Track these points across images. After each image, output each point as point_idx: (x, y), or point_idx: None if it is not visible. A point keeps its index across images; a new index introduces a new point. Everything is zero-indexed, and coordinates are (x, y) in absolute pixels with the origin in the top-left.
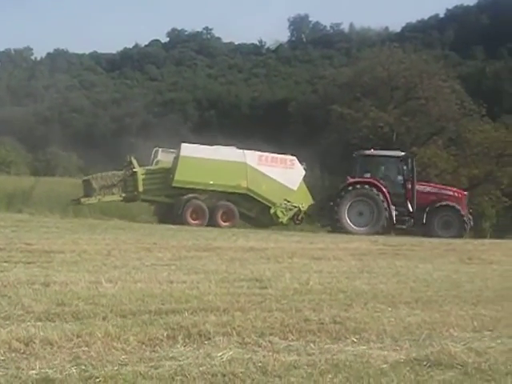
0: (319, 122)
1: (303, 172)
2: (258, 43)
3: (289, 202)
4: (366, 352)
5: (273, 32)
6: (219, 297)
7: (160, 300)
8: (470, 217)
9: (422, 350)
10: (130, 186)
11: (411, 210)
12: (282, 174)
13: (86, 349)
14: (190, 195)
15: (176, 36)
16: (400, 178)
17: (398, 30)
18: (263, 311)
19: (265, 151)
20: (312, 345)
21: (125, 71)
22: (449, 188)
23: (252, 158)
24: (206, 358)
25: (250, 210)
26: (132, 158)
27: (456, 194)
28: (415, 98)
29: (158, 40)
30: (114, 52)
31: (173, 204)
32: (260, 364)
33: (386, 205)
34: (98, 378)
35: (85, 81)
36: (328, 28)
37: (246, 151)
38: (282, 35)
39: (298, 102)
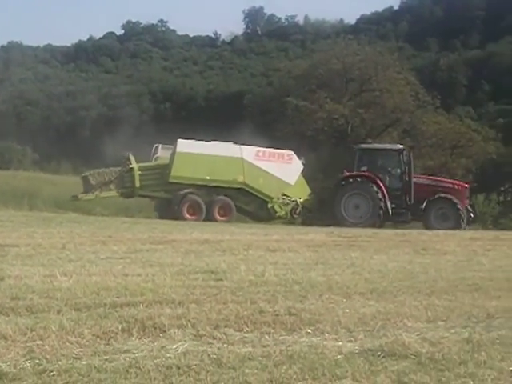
0: (274, 114)
1: (301, 167)
2: (213, 35)
3: (286, 196)
4: (321, 343)
5: (228, 24)
6: (174, 289)
7: (115, 293)
8: (470, 209)
9: (376, 340)
10: (127, 181)
11: (409, 202)
12: (280, 168)
13: (41, 342)
14: (187, 190)
15: (131, 28)
16: (397, 170)
17: (353, 22)
18: (218, 303)
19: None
20: (267, 336)
21: (79, 64)
22: (449, 181)
23: (249, 153)
24: (161, 351)
25: (248, 204)
26: (130, 155)
27: (456, 187)
28: (370, 89)
29: (112, 32)
30: (69, 45)
31: (170, 199)
32: (215, 356)
33: (381, 198)
34: (52, 371)
35: (39, 73)
36: (283, 20)
37: (242, 146)
38: (237, 27)
39: (254, 94)
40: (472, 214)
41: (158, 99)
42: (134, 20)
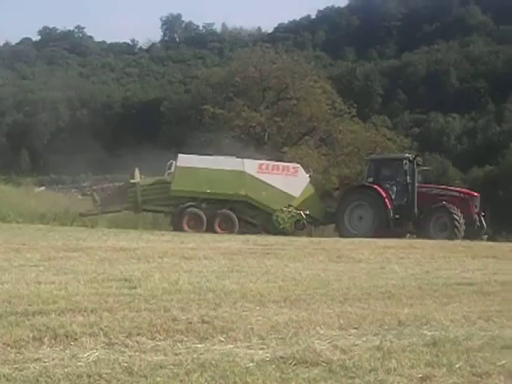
0: (192, 122)
1: (307, 179)
2: (130, 42)
3: (292, 208)
4: (233, 351)
5: (145, 31)
6: (87, 297)
7: (27, 301)
8: (477, 217)
9: (288, 348)
10: (130, 196)
11: (412, 212)
12: (284, 181)
13: None
14: (188, 204)
15: (47, 34)
16: (402, 180)
17: (271, 30)
18: (131, 311)
19: (140, 151)
20: (179, 344)
21: None
22: (456, 189)
23: (251, 166)
24: (72, 359)
25: (254, 217)
26: (136, 169)
27: (462, 195)
28: (287, 98)
29: (29, 38)
30: None
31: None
32: (126, 364)
33: (383, 208)
34: None
35: None
36: (201, 28)
37: (245, 160)
38: (155, 34)
39: (171, 101)
40: (479, 224)
41: (75, 106)
42: (50, 26)
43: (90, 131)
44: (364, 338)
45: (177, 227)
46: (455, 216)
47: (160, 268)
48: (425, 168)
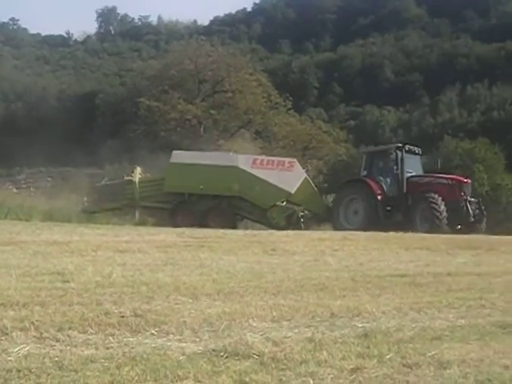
0: (127, 115)
1: (303, 174)
2: (65, 35)
3: (286, 203)
4: (165, 344)
5: (80, 23)
6: (19, 291)
7: None
8: (464, 204)
9: (220, 340)
10: (127, 193)
11: (404, 203)
12: (279, 176)
13: None
14: (181, 199)
15: None
16: (393, 171)
17: (206, 23)
18: (63, 305)
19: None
20: (111, 338)
21: None
22: (447, 177)
23: (245, 161)
24: (2, 354)
25: (251, 213)
26: (137, 167)
27: (449, 182)
28: (222, 91)
29: None
30: None
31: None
32: (57, 359)
33: (374, 201)
34: None
35: None
36: (136, 20)
37: (238, 155)
38: (90, 27)
39: (106, 94)
40: (467, 211)
41: (9, 98)
42: None
43: (25, 124)
44: (296, 330)
45: (172, 223)
46: (434, 205)
47: (93, 261)
48: (431, 156)
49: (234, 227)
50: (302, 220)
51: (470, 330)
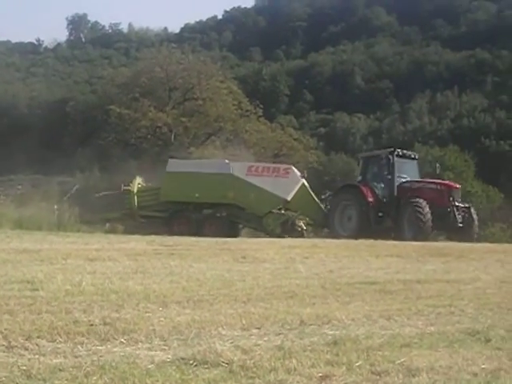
0: (98, 122)
1: (299, 181)
2: (35, 42)
3: (281, 210)
4: (134, 352)
5: (51, 31)
6: None
7: None
8: (452, 210)
9: (189, 349)
10: (127, 203)
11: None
12: (274, 183)
13: None
14: (178, 208)
15: None
16: (386, 176)
17: (177, 30)
18: (32, 314)
19: (44, 152)
20: (80, 347)
21: None
22: (438, 182)
23: (239, 169)
24: None
25: (248, 220)
26: (136, 177)
27: (438, 187)
28: (193, 98)
29: None
30: None
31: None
32: (25, 367)
33: (365, 207)
34: None
35: None
36: (107, 28)
37: (232, 163)
38: (61, 34)
39: (77, 101)
40: (456, 217)
41: None
42: None
43: None
44: (266, 338)
45: (169, 232)
46: (418, 209)
47: (63, 270)
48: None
49: (236, 236)
50: (303, 227)
51: (439, 337)
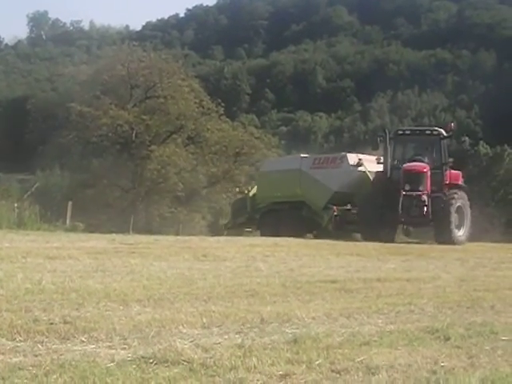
0: (59, 120)
1: (352, 170)
2: None
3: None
4: (94, 351)
5: (11, 28)
6: None
7: None
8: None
9: (149, 347)
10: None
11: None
12: (327, 174)
13: None
14: (268, 209)
15: None
16: None
17: (139, 28)
18: None
19: (4, 150)
20: (40, 345)
21: None
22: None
23: (307, 162)
24: None
25: (321, 217)
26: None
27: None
28: (155, 96)
29: None
30: None
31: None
32: None
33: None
34: None
35: None
36: (68, 25)
37: (302, 156)
38: (21, 31)
39: (38, 99)
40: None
41: None
42: None
43: None
44: (226, 337)
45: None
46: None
47: (23, 268)
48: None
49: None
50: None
51: (399, 336)
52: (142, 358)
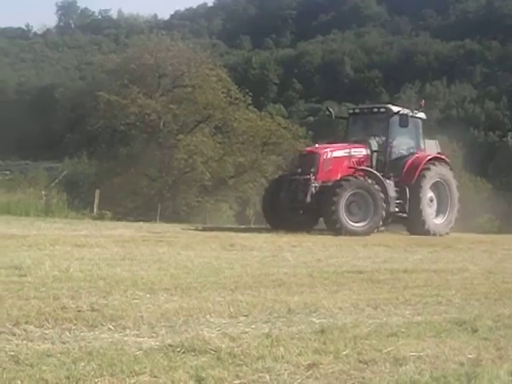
0: (87, 109)
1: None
2: (24, 27)
3: None
4: (122, 339)
5: (40, 16)
6: None
7: None
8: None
9: (177, 336)
10: None
11: None
12: None
13: None
14: None
15: None
16: None
17: (167, 17)
18: (20, 299)
19: (32, 138)
20: (67, 333)
21: None
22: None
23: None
24: None
25: None
26: None
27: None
28: (182, 85)
29: None
30: None
31: None
32: (12, 353)
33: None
34: None
35: None
36: (96, 14)
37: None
38: (50, 20)
39: (66, 87)
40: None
41: None
42: None
43: None
44: (253, 326)
45: None
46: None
47: (51, 255)
48: None
49: None
50: None
51: (426, 327)
52: (170, 346)
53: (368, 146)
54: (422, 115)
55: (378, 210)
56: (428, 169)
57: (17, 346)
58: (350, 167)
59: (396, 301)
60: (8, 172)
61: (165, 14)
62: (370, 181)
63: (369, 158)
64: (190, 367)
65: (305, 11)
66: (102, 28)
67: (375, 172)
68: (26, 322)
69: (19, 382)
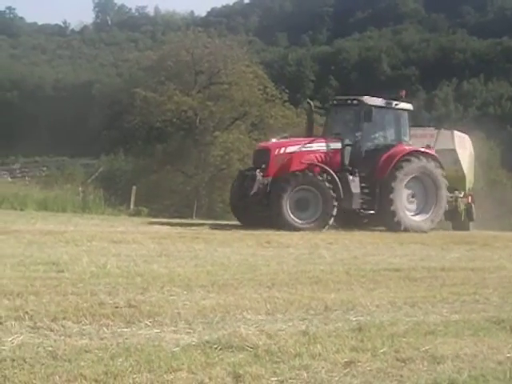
0: (123, 105)
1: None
2: (62, 24)
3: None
4: (159, 335)
5: (77, 13)
6: (14, 281)
7: None
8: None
9: (214, 332)
10: None
11: None
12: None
13: None
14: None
15: None
16: None
17: (204, 14)
18: (58, 295)
19: (69, 134)
20: (105, 329)
21: None
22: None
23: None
24: None
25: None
26: None
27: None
28: (219, 82)
29: None
30: None
31: None
32: (50, 348)
33: None
34: None
35: None
36: (133, 11)
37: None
38: (87, 17)
39: (103, 84)
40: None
41: (5, 87)
42: None
43: (20, 113)
44: (290, 323)
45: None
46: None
47: (88, 251)
48: None
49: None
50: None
51: (464, 326)
52: (207, 343)
53: (342, 140)
54: (405, 106)
55: (328, 206)
56: (406, 163)
57: (55, 341)
58: (302, 162)
59: (433, 299)
60: (45, 168)
61: (201, 11)
62: (319, 177)
63: (340, 152)
64: (227, 364)
65: (341, 8)
66: (138, 25)
67: (327, 168)
68: (64, 318)
69: (57, 377)
